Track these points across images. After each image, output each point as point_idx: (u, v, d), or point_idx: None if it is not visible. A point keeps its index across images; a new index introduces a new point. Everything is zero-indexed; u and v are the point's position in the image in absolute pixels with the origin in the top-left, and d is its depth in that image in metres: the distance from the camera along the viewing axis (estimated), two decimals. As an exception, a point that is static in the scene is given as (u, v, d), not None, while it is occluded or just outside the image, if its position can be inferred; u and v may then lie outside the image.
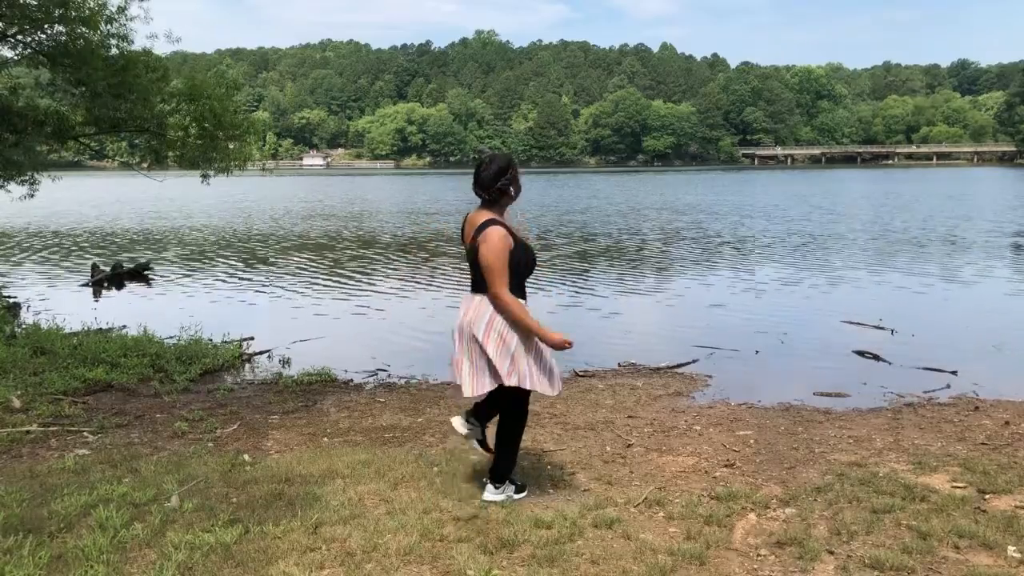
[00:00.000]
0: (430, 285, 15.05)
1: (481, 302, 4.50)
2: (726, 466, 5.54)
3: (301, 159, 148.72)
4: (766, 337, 10.09)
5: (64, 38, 12.60)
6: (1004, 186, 55.64)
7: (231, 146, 14.59)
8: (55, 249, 22.44)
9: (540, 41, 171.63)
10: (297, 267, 18.02)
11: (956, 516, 4.51)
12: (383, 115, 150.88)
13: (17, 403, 6.92)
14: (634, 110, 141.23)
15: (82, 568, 3.81)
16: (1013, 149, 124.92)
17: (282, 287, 15.19)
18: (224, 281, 16.14)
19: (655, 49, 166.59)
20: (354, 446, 5.99)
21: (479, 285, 4.51)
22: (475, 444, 4.92)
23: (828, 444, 6.06)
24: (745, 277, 15.65)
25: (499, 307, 4.43)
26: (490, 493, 4.75)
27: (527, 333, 4.47)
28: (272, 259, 19.65)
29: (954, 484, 5.07)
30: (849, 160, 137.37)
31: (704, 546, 4.12)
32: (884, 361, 8.87)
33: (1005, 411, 6.98)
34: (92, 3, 12.44)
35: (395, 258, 19.63)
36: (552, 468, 5.40)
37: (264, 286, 15.33)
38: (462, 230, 4.70)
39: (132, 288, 15.68)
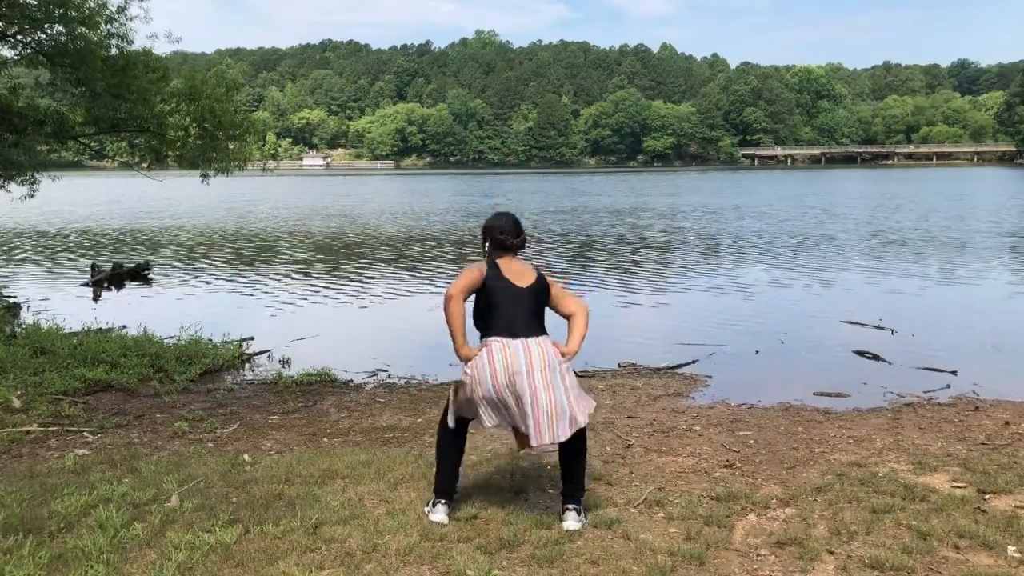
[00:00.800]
0: (431, 285, 15.06)
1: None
2: (726, 466, 5.54)
3: (301, 159, 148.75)
4: (766, 337, 10.10)
5: (64, 38, 12.61)
6: (1005, 186, 55.65)
7: (231, 146, 14.59)
8: (55, 249, 22.44)
9: (540, 41, 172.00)
10: (297, 267, 18.04)
11: (956, 516, 4.50)
12: (383, 115, 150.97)
13: (17, 403, 6.92)
14: (634, 110, 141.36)
15: (82, 568, 3.81)
16: (1013, 149, 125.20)
17: (282, 287, 15.20)
18: (224, 281, 16.15)
19: (655, 49, 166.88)
20: (354, 446, 5.99)
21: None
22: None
23: (828, 444, 6.06)
24: (745, 277, 15.67)
25: None
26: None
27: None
28: (272, 259, 19.67)
29: (954, 484, 5.07)
30: (849, 160, 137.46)
31: (704, 546, 4.12)
32: (884, 361, 8.88)
33: (1005, 411, 6.98)
34: (92, 3, 12.45)
35: (396, 258, 19.64)
36: (552, 468, 5.39)
37: (264, 286, 15.34)
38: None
39: (132, 288, 15.68)
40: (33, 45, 12.90)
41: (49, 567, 3.83)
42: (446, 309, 4.38)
